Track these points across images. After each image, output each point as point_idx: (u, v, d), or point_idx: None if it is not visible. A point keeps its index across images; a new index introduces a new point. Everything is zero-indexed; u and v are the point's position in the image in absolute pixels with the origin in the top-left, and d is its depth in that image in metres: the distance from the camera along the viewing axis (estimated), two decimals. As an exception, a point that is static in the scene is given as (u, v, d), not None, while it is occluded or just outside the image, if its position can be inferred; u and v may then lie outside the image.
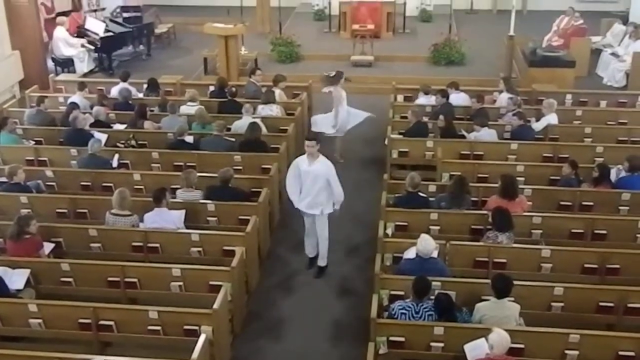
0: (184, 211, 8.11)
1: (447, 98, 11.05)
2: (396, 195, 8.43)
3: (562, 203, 8.60)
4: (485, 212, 7.97)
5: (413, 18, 18.31)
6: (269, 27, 17.45)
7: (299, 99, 12.01)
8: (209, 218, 8.36)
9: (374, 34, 16.24)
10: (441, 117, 10.40)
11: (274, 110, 11.07)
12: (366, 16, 16.79)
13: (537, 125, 10.62)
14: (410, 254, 7.15)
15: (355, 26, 16.31)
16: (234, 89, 11.56)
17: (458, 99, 11.40)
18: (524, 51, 14.34)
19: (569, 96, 12.00)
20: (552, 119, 10.68)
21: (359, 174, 11.00)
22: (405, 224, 8.09)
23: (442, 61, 15.47)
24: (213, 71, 14.67)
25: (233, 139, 9.93)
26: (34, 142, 10.26)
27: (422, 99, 11.70)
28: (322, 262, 8.45)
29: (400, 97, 12.18)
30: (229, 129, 10.38)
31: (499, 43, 15.76)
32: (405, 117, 10.96)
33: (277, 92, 11.61)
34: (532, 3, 19.68)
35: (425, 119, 10.74)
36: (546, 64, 13.44)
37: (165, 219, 7.92)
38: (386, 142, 10.35)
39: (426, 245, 6.82)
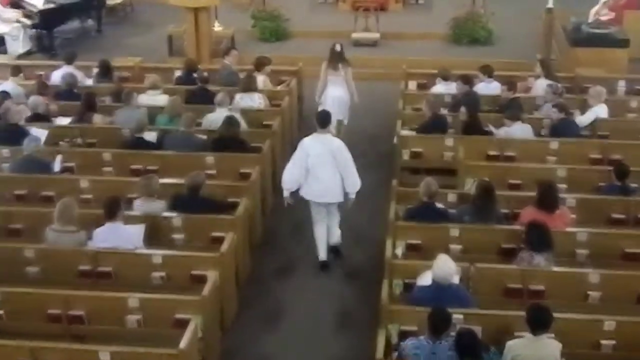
0: (143, 226, 8.15)
1: (471, 85, 11.15)
2: (408, 206, 8.50)
3: (614, 216, 8.66)
4: (518, 227, 8.05)
5: None
6: None
7: (287, 87, 12.09)
8: (174, 235, 8.40)
9: (380, 5, 16.34)
10: (463, 108, 10.47)
11: (255, 101, 11.13)
12: None
13: (583, 119, 10.73)
14: (425, 279, 7.18)
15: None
16: (205, 74, 11.60)
17: (488, 88, 11.53)
18: (565, 27, 14.45)
19: (621, 83, 12.12)
20: (600, 111, 10.79)
21: (362, 180, 11.02)
22: (419, 242, 8.14)
23: (464, 40, 15.58)
24: (179, 52, 14.81)
25: (204, 136, 10.00)
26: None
27: (439, 87, 11.78)
28: (336, 241, 9.09)
29: (412, 84, 12.31)
30: (199, 124, 10.44)
31: (534, 17, 15.84)
32: (419, 109, 11.05)
33: (260, 78, 11.68)
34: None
35: (444, 111, 10.83)
36: (593, 43, 13.61)
37: (120, 237, 7.92)
38: (395, 140, 10.46)
39: (445, 268, 6.84)
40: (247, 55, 13.88)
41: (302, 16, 16.62)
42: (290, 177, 8.67)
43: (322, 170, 8.67)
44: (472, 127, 10.22)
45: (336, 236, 9.19)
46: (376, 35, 15.49)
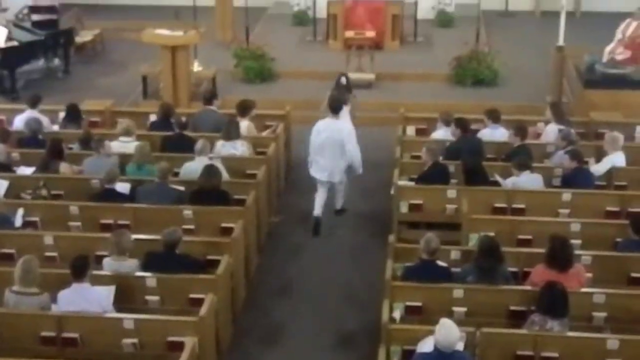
0: (113, 288, 8.15)
1: (466, 131, 11.12)
2: (406, 264, 8.51)
3: (633, 275, 8.67)
4: (528, 287, 8.10)
5: (428, 22, 18.57)
6: (231, 35, 17.66)
7: (273, 133, 12.12)
8: (148, 297, 8.39)
9: (375, 43, 16.42)
10: (466, 157, 10.54)
11: (238, 149, 11.19)
12: (364, 19, 17.04)
13: (598, 168, 10.78)
14: (426, 346, 7.17)
15: (350, 33, 16.51)
16: (183, 119, 11.65)
17: (494, 134, 11.58)
18: (578, 67, 14.51)
19: (639, 128, 12.18)
20: (617, 159, 10.83)
21: (355, 235, 11.14)
22: (419, 304, 8.14)
23: (468, 81, 15.69)
24: (155, 94, 14.94)
25: (182, 188, 10.04)
26: None
27: (441, 132, 11.74)
28: (338, 205, 11.16)
29: (411, 130, 12.39)
30: (176, 174, 10.52)
31: (544, 56, 16.01)
32: (418, 157, 11.11)
33: (244, 123, 11.70)
34: (588, 2, 19.99)
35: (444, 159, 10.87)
36: (608, 85, 13.66)
37: (88, 299, 7.90)
38: (392, 191, 10.47)
39: (448, 334, 6.82)
40: (229, 98, 13.99)
41: (289, 55, 16.74)
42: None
43: (326, 155, 10.71)
44: (477, 177, 10.27)
45: (339, 203, 11.21)
46: (371, 76, 15.54)
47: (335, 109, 10.87)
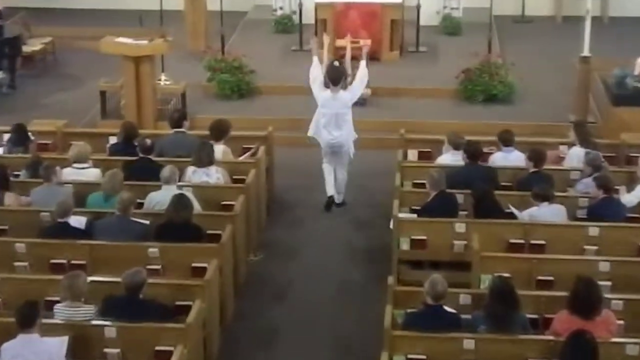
0: (66, 338, 8.08)
1: (475, 156, 11.19)
2: (408, 310, 8.49)
3: (671, 323, 8.71)
4: (550, 337, 8.12)
5: (432, 29, 18.64)
6: (204, 44, 17.72)
7: (253, 157, 12.19)
8: (107, 349, 8.32)
9: (371, 53, 16.06)
10: (477, 185, 10.56)
11: (212, 176, 11.26)
12: (358, 26, 17.07)
13: (630, 198, 10.77)
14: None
15: (341, 42, 16.28)
16: (148, 142, 11.62)
17: (508, 159, 11.64)
18: (605, 81, 14.58)
19: (677, 152, 12.18)
20: (652, 187, 10.93)
21: (348, 275, 11.18)
22: (424, 357, 8.12)
23: (478, 96, 15.76)
24: (115, 113, 14.97)
25: (147, 222, 10.03)
26: None
27: (447, 157, 11.79)
28: (338, 199, 12.53)
29: (412, 154, 12.45)
30: (140, 206, 10.54)
31: (566, 68, 16.07)
32: (422, 186, 11.13)
33: (219, 147, 11.77)
34: (616, 6, 20.07)
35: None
36: (641, 102, 13.78)
37: (37, 352, 7.82)
38: (391, 225, 10.50)
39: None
40: (201, 118, 14.11)
41: (271, 67, 16.83)
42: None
43: (331, 127, 12.17)
44: (489, 209, 10.29)
45: (340, 196, 12.49)
46: (366, 92, 15.21)
47: (335, 80, 12.17)
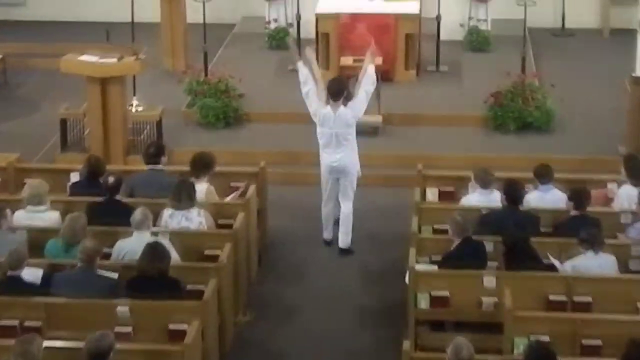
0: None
1: (516, 200, 10.95)
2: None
3: None
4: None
5: (455, 44, 18.56)
6: (184, 62, 17.64)
7: (242, 197, 11.99)
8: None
9: (382, 73, 15.96)
10: (510, 232, 10.27)
11: (193, 220, 11.06)
12: (367, 40, 16.36)
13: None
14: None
15: (347, 60, 16.35)
16: (116, 179, 11.33)
17: (545, 199, 11.47)
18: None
19: None
20: None
21: (355, 339, 11.03)
22: None
23: (511, 124, 15.48)
24: (78, 145, 14.78)
25: (115, 275, 9.88)
26: None
27: (475, 197, 11.63)
28: (344, 242, 12.40)
29: (432, 193, 12.25)
30: (107, 256, 10.38)
31: (615, 90, 16.05)
32: (444, 232, 11.01)
33: (201, 185, 11.64)
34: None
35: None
36: None
37: None
38: (407, 278, 10.35)
39: None
40: (181, 151, 14.07)
41: (263, 90, 16.73)
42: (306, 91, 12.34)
43: (331, 149, 12.14)
44: (524, 258, 10.11)
45: (347, 238, 12.36)
46: (376, 119, 15.33)
47: (335, 93, 12.08)
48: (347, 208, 12.34)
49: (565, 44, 19.18)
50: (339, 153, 12.17)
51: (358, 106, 12.30)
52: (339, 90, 12.19)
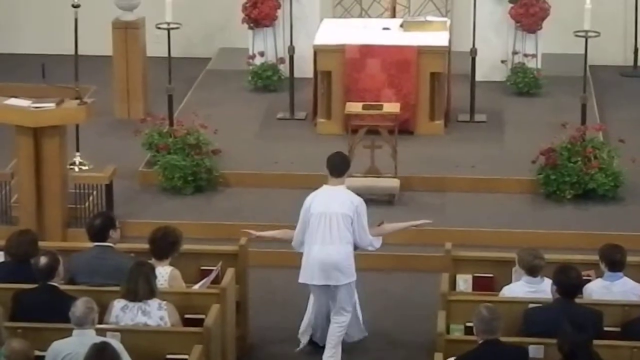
0: None
1: (571, 292, 10.98)
2: None
3: None
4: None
5: (495, 87, 18.91)
6: (142, 108, 17.87)
7: (215, 285, 12.07)
8: None
9: (401, 124, 16.39)
10: (566, 334, 10.16)
11: (152, 314, 11.13)
12: (381, 81, 17.14)
13: None
14: None
15: (355, 106, 16.49)
16: (48, 261, 11.30)
17: (612, 291, 11.49)
18: None
19: None
20: None
21: None
22: None
23: (567, 192, 15.63)
24: (3, 215, 15.00)
25: None
26: None
27: (519, 286, 11.69)
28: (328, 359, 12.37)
29: (464, 281, 12.39)
30: None
31: None
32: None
33: (164, 269, 11.80)
34: None
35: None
36: None
37: None
38: None
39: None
40: (136, 224, 14.34)
41: (245, 145, 17.09)
42: (296, 240, 12.43)
43: (325, 236, 12.05)
44: None
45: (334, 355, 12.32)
46: (393, 184, 15.60)
47: (338, 169, 12.39)
48: (340, 320, 12.30)
49: (639, 87, 19.29)
50: (332, 244, 12.11)
51: (360, 234, 12.24)
52: (340, 165, 12.43)
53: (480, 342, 10.23)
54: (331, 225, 12.05)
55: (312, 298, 12.41)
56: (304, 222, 12.22)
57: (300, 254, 12.39)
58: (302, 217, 12.26)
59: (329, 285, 12.10)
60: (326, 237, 12.03)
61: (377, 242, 12.45)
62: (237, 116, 17.79)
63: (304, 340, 12.49)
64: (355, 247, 12.25)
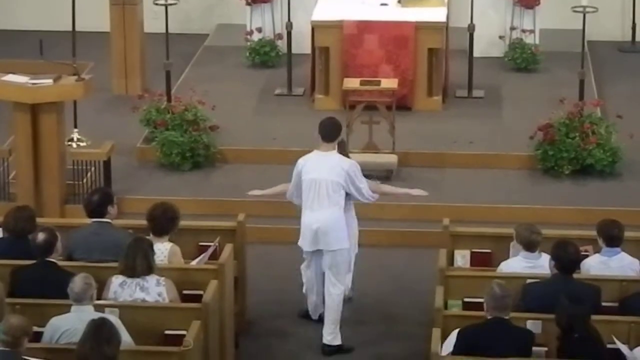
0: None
1: (569, 269, 11.01)
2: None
3: None
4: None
5: (493, 62, 18.97)
6: (139, 84, 17.89)
7: (214, 260, 12.05)
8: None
9: (398, 100, 16.41)
10: (564, 309, 10.22)
11: (151, 290, 11.16)
12: (379, 57, 17.19)
13: None
14: None
15: (353, 82, 16.53)
16: (46, 237, 11.35)
17: (610, 266, 11.54)
18: None
19: None
20: None
21: None
22: None
23: (565, 167, 15.67)
24: (1, 191, 14.96)
25: None
26: None
27: (517, 261, 11.73)
28: (329, 335, 12.39)
29: (462, 256, 12.42)
30: (38, 336, 10.35)
31: None
32: (478, 306, 10.95)
33: (162, 245, 11.82)
34: None
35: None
36: None
37: None
38: None
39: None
40: (134, 200, 14.43)
41: (243, 121, 17.15)
42: (289, 193, 12.74)
43: (314, 202, 12.34)
44: (583, 344, 10.07)
45: (332, 332, 12.35)
46: (390, 159, 15.68)
47: (329, 134, 12.57)
48: (334, 292, 12.46)
49: (636, 63, 19.32)
50: (322, 210, 12.37)
51: (359, 188, 12.49)
52: (332, 130, 12.61)
53: (488, 317, 10.27)
54: (320, 192, 12.26)
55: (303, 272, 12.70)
56: (295, 182, 12.50)
57: (298, 229, 12.50)
58: (293, 178, 12.54)
59: (320, 251, 12.30)
60: (314, 204, 12.27)
61: (376, 195, 12.73)
62: (234, 92, 17.81)
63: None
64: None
